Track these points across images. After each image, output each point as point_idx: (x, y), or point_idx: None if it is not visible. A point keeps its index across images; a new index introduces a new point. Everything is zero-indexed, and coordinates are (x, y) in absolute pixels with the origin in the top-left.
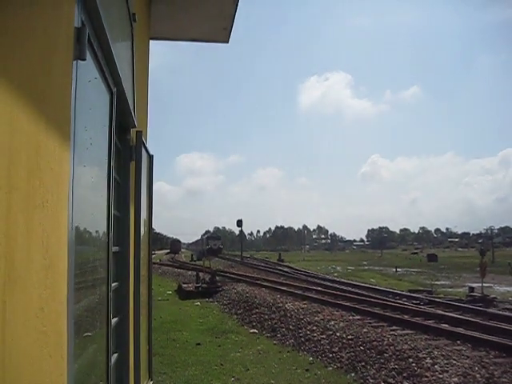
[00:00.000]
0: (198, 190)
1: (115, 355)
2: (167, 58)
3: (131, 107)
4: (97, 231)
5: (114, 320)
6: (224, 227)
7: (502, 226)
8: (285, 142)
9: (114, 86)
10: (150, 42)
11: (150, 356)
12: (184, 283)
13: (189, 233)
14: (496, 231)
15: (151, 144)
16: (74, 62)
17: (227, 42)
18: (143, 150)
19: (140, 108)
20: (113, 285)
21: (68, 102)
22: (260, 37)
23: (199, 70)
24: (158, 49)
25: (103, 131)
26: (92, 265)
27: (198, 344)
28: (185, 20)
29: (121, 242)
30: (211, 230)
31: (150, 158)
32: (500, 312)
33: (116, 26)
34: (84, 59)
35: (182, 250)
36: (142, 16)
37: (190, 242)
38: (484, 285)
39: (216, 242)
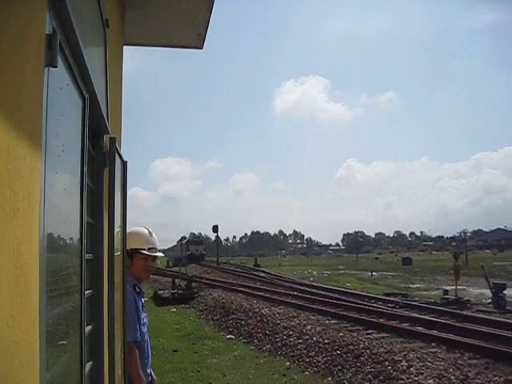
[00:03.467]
0: (174, 195)
1: (89, 363)
2: (143, 64)
3: (104, 113)
4: (70, 238)
5: (88, 328)
6: (200, 233)
7: (475, 229)
8: (261, 147)
9: (87, 92)
10: (124, 47)
11: (125, 364)
12: (160, 290)
13: (165, 239)
14: (469, 234)
15: (126, 150)
16: (46, 69)
17: (201, 47)
18: (117, 156)
19: (114, 114)
20: (86, 292)
21: (39, 110)
22: (236, 41)
23: (175, 74)
24: (133, 54)
25: (76, 138)
26: (65, 272)
27: (175, 351)
28: (158, 26)
29: (94, 249)
30: (187, 235)
31: (124, 164)
32: (474, 314)
33: (88, 32)
34: (55, 66)
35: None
36: (116, 22)
37: (166, 248)
38: (458, 287)
39: (198, 248)
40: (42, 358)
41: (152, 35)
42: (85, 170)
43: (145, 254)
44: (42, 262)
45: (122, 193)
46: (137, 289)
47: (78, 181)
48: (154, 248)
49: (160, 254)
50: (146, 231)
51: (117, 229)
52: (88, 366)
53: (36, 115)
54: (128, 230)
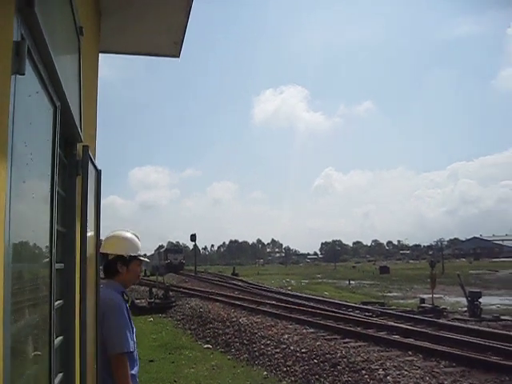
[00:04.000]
0: (151, 203)
1: (60, 375)
2: (121, 71)
3: (77, 122)
4: (38, 248)
5: (58, 339)
6: (178, 241)
7: (452, 238)
8: (240, 156)
9: (58, 100)
10: (102, 55)
11: (97, 375)
12: (137, 299)
13: (142, 248)
14: (446, 243)
15: (103, 158)
16: (13, 77)
17: (178, 56)
18: (90, 164)
19: (87, 122)
20: (57, 303)
21: (5, 118)
22: (214, 50)
23: (153, 82)
24: (112, 62)
25: (46, 146)
26: (33, 282)
27: (151, 361)
28: (135, 34)
29: (66, 259)
30: (165, 244)
31: (98, 172)
32: (450, 322)
33: (60, 39)
34: (23, 74)
35: None
36: (91, 29)
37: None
38: (434, 296)
39: (177, 256)
40: (5, 373)
41: (128, 43)
42: (55, 178)
43: (141, 259)
44: (7, 272)
45: (96, 201)
46: (125, 296)
47: (47, 189)
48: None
49: (147, 259)
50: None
51: (90, 237)
52: (58, 377)
53: (1, 123)
54: (122, 235)
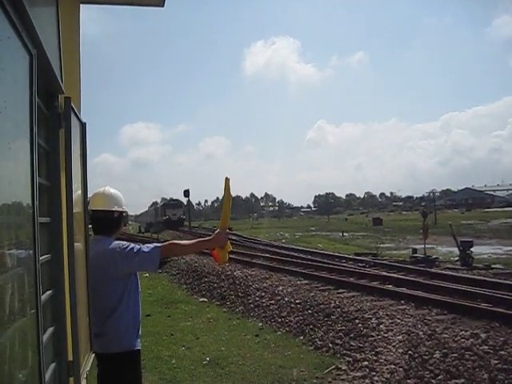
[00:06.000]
0: (144, 160)
1: (50, 329)
2: (109, 26)
3: (57, 72)
4: (18, 200)
5: (47, 293)
6: (172, 197)
7: (444, 188)
8: (231, 110)
9: (34, 48)
10: (83, 6)
11: (90, 328)
12: None
13: (136, 204)
14: (438, 194)
15: (93, 115)
16: None
17: (162, 6)
18: (73, 116)
19: (70, 74)
20: (44, 257)
21: None
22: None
23: (143, 36)
24: (99, 17)
25: (22, 95)
26: (14, 236)
27: (148, 315)
28: None
29: (51, 212)
30: (158, 200)
31: (83, 125)
32: (441, 271)
33: None
34: None
35: (130, 222)
36: None
37: (138, 213)
38: (427, 246)
39: (176, 211)
40: None
41: None
42: (34, 129)
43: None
44: None
45: (82, 154)
46: None
47: (26, 140)
48: None
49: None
50: None
51: (76, 191)
52: (49, 331)
53: None
54: (117, 192)
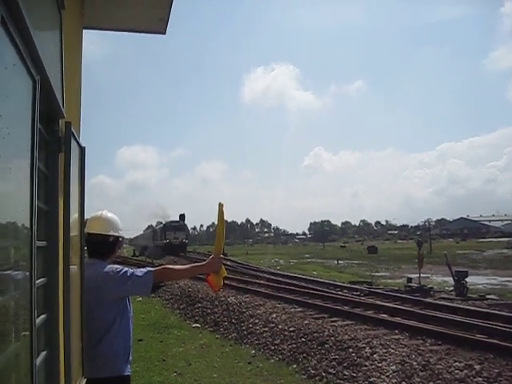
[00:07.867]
0: (140, 183)
1: (43, 353)
2: (110, 50)
3: (59, 97)
4: (17, 224)
5: (41, 317)
6: (172, 219)
7: (439, 218)
8: (229, 135)
9: (38, 73)
10: (87, 32)
11: (83, 353)
12: None
13: (131, 228)
14: (433, 223)
15: (90, 137)
16: None
17: (164, 33)
18: (73, 141)
19: (70, 99)
20: (40, 280)
21: None
22: (205, 26)
23: (142, 61)
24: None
25: (24, 120)
26: (12, 260)
27: (140, 340)
28: (119, 9)
29: (49, 237)
30: (154, 224)
31: (82, 150)
32: (436, 301)
33: (39, 12)
34: None
35: (125, 245)
36: (73, 3)
37: (132, 236)
38: (422, 275)
39: (178, 235)
40: None
41: (113, 19)
42: (35, 153)
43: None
44: None
45: (80, 179)
46: None
47: (27, 164)
48: None
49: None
50: None
51: (74, 214)
52: (41, 356)
53: None
54: (114, 217)
